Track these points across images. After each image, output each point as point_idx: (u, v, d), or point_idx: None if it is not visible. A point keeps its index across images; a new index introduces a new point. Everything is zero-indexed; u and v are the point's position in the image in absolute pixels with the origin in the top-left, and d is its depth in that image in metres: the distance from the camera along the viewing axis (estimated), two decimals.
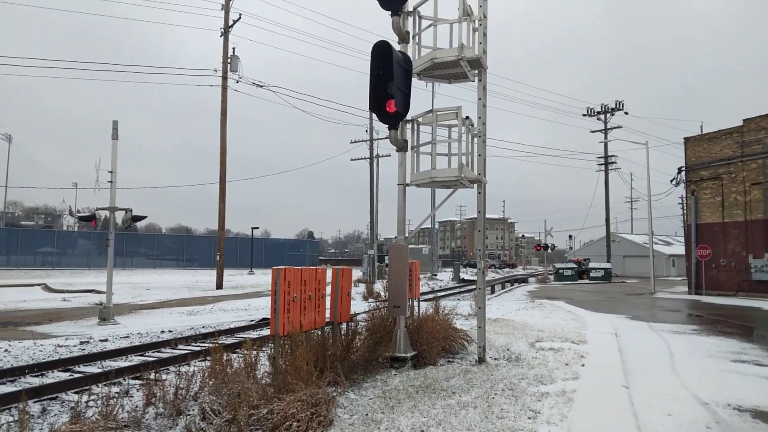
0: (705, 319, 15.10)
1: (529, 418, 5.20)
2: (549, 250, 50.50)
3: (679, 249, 48.18)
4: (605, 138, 45.44)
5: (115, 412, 5.04)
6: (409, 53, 8.14)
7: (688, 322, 14.24)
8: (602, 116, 46.51)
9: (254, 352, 6.29)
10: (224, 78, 26.73)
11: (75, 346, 10.22)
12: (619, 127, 45.95)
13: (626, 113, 45.80)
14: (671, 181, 27.01)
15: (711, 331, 12.29)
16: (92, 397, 5.85)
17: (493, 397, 5.90)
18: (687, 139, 26.13)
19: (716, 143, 24.52)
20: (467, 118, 7.89)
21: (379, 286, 24.93)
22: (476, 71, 8.27)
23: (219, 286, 26.58)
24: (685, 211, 28.73)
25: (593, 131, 47.59)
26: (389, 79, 7.31)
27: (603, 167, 47.10)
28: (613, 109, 46.05)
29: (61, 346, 10.05)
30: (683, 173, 26.09)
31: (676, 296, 24.40)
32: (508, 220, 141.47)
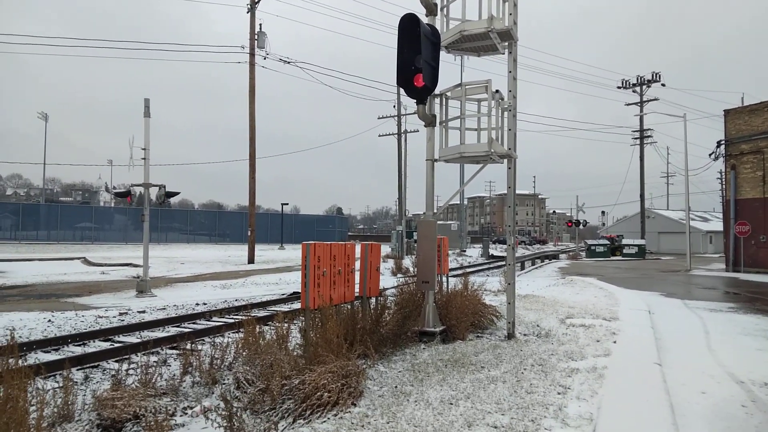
0: (742, 296, 14.72)
1: (559, 393, 5.20)
2: (581, 227, 49.66)
3: (717, 225, 46.90)
4: (641, 111, 44.12)
5: (153, 380, 5.24)
6: (437, 26, 7.98)
7: (725, 300, 13.91)
8: (638, 88, 45.07)
9: (285, 325, 6.42)
10: (251, 55, 26.77)
11: (114, 317, 10.59)
12: (655, 99, 44.54)
13: (663, 85, 44.28)
14: (710, 155, 26.13)
15: (749, 309, 11.99)
16: (132, 366, 6.08)
17: (522, 372, 5.90)
18: (727, 112, 25.15)
19: (758, 115, 23.53)
20: (497, 91, 7.74)
21: (407, 262, 25.02)
22: (506, 43, 8.09)
23: (251, 260, 27.08)
24: (723, 186, 27.84)
25: (628, 104, 46.28)
26: (417, 52, 7.19)
27: (638, 141, 45.83)
28: (648, 81, 44.55)
29: (101, 317, 10.43)
30: (722, 147, 25.17)
31: (712, 273, 23.82)
32: (539, 196, 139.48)
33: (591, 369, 6.11)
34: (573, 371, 6.02)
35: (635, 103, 45.27)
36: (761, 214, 23.24)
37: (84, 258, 28.49)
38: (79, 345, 7.97)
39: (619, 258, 38.86)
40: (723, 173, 27.16)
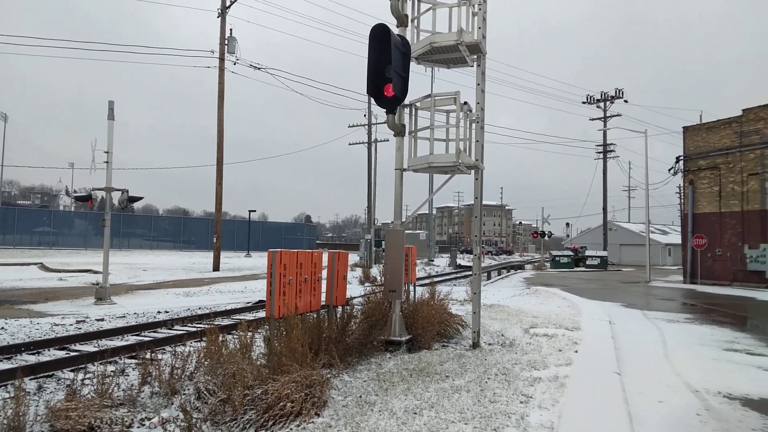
0: (699, 308, 15.20)
1: (521, 402, 5.25)
2: (546, 238, 50.55)
3: (676, 238, 48.41)
4: (604, 126, 45.33)
5: (110, 390, 5.08)
6: (408, 37, 8.06)
7: (682, 311, 14.34)
8: (602, 104, 46.30)
9: (250, 334, 6.33)
10: (221, 60, 26.49)
11: (71, 324, 10.25)
12: (618, 115, 45.82)
13: (626, 101, 45.63)
14: (669, 170, 26.98)
15: (705, 319, 12.38)
16: (88, 376, 5.89)
17: (486, 382, 5.95)
18: (686, 129, 26.07)
19: (715, 133, 24.47)
20: (465, 103, 7.85)
21: (375, 271, 25.01)
22: (475, 56, 8.22)
23: (216, 268, 26.61)
24: (682, 201, 28.76)
25: (592, 119, 47.44)
26: (387, 63, 7.25)
27: (602, 155, 47.02)
28: (612, 97, 45.85)
29: (57, 325, 10.08)
30: (681, 162, 26.06)
31: (671, 285, 24.53)
32: (506, 207, 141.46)
33: (553, 378, 6.20)
34: (535, 380, 6.09)
35: (599, 118, 46.50)
36: (717, 228, 24.10)
37: (41, 263, 27.53)
38: (33, 354, 7.68)
39: (583, 269, 39.67)
40: (682, 188, 28.07)
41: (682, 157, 25.99)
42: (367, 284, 20.34)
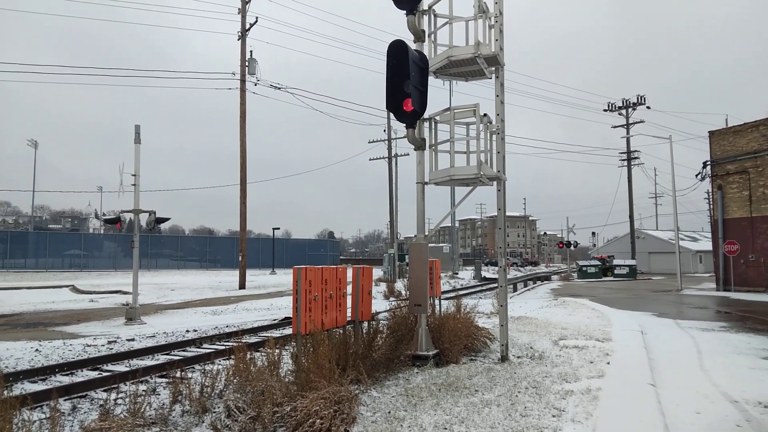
0: (734, 315, 14.78)
1: (554, 416, 5.16)
2: (572, 248, 49.88)
3: (706, 245, 47.28)
4: (627, 133, 44.78)
5: (142, 410, 5.14)
6: (425, 52, 8.13)
7: (717, 319, 13.95)
8: (623, 111, 45.85)
9: (277, 351, 6.35)
10: (242, 81, 27.00)
11: (103, 345, 10.43)
12: (641, 121, 45.30)
13: (648, 107, 45.09)
14: (696, 175, 26.48)
15: (740, 327, 12.03)
16: (120, 395, 5.98)
17: (516, 395, 5.86)
18: (711, 133, 25.59)
19: (742, 136, 23.95)
20: (485, 115, 7.85)
21: (399, 285, 24.93)
22: (493, 68, 8.23)
23: (242, 286, 26.87)
24: (711, 206, 28.13)
25: (615, 126, 46.94)
26: (405, 78, 7.31)
27: (625, 163, 46.42)
28: (634, 104, 45.36)
29: (89, 346, 10.27)
30: (708, 167, 25.54)
31: (703, 293, 23.92)
32: (530, 218, 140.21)
33: (585, 391, 6.08)
34: (567, 393, 5.98)
35: (621, 126, 45.99)
36: (749, 233, 23.48)
37: (72, 286, 28.14)
38: (66, 374, 7.83)
39: (611, 278, 38.97)
40: (710, 193, 27.46)
41: (709, 162, 25.47)
42: (391, 299, 20.29)
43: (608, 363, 7.75)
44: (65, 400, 6.34)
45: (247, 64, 27.23)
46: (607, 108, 46.75)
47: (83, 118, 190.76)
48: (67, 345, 10.35)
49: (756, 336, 10.70)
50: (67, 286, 28.06)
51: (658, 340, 10.15)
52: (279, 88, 28.00)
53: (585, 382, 6.50)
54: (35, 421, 4.56)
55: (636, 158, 46.50)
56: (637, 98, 45.29)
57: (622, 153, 46.99)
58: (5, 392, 3.51)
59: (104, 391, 6.72)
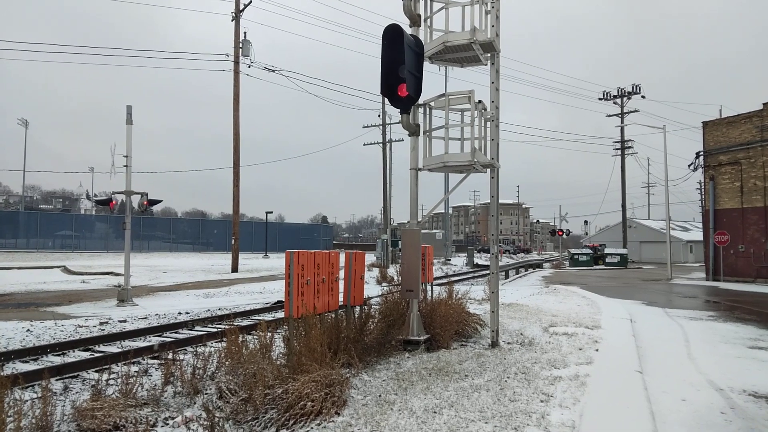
0: (722, 305, 14.96)
1: (542, 401, 5.23)
2: (564, 236, 50.17)
3: (697, 235, 47.65)
4: (622, 122, 44.78)
5: (134, 390, 5.17)
6: (421, 36, 8.07)
7: (705, 308, 14.12)
8: (618, 100, 45.81)
9: (269, 334, 6.38)
10: (236, 63, 26.72)
11: (95, 326, 10.43)
12: (636, 111, 45.30)
13: (643, 97, 45.06)
14: (689, 166, 26.61)
15: (728, 317, 12.19)
16: (112, 376, 5.99)
17: (505, 381, 5.93)
18: (705, 123, 25.66)
19: (735, 127, 24.05)
20: (480, 102, 7.83)
21: (392, 271, 25.02)
22: (489, 54, 8.19)
23: (234, 269, 26.87)
24: (703, 197, 28.32)
25: (609, 115, 46.95)
26: (401, 62, 7.26)
27: (619, 152, 46.50)
28: (629, 93, 45.32)
29: (81, 327, 10.27)
30: (701, 158, 25.66)
31: (693, 282, 24.18)
32: (523, 205, 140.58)
33: (573, 377, 6.16)
34: (556, 379, 6.06)
35: (616, 115, 45.99)
36: (740, 224, 23.68)
37: (64, 266, 28.03)
38: (58, 355, 7.84)
39: (602, 267, 39.26)
40: (702, 184, 27.64)
41: (702, 153, 25.59)
42: (384, 284, 20.37)
43: (597, 350, 7.84)
44: (57, 380, 6.36)
45: (241, 45, 26.92)
46: (602, 97, 46.70)
47: (75, 98, 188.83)
48: (58, 325, 10.34)
49: (743, 325, 10.85)
50: (58, 267, 27.95)
51: (647, 329, 10.27)
52: (273, 71, 27.75)
53: (573, 369, 6.58)
54: (27, 401, 4.57)
55: (630, 147, 46.59)
56: (633, 87, 45.26)
57: (616, 142, 47.07)
58: None
59: (96, 371, 6.73)
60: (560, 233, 49.68)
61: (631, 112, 45.25)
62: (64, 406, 5.08)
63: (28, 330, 9.76)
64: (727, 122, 24.65)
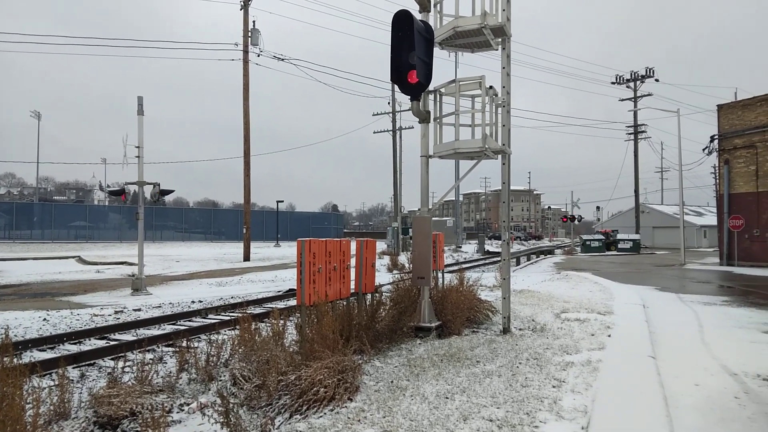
0: (736, 290, 14.83)
1: (554, 386, 5.23)
2: (576, 222, 49.87)
3: (711, 220, 47.14)
4: (635, 106, 44.20)
5: (150, 378, 5.24)
6: (431, 22, 7.99)
7: (719, 294, 14.01)
8: (632, 84, 45.13)
9: (281, 322, 6.43)
10: (245, 52, 26.67)
11: (110, 315, 10.58)
12: (649, 94, 44.64)
13: (657, 80, 44.35)
14: (703, 149, 26.26)
15: (742, 302, 12.08)
16: (128, 364, 6.08)
17: (517, 366, 5.94)
18: (720, 107, 25.26)
19: (751, 110, 23.64)
20: (491, 87, 7.76)
21: (403, 258, 25.05)
22: (499, 39, 8.10)
23: (246, 258, 27.05)
24: (717, 181, 27.96)
25: (622, 99, 46.28)
26: (411, 49, 7.20)
27: (632, 136, 45.95)
28: (643, 77, 44.63)
29: (96, 315, 10.42)
30: (716, 142, 25.30)
31: (706, 267, 23.96)
32: (534, 192, 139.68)
33: (586, 362, 6.15)
34: (568, 365, 6.05)
35: (629, 99, 45.33)
36: (754, 208, 23.38)
37: (79, 257, 28.38)
38: (74, 343, 7.96)
39: (614, 253, 39.02)
40: (716, 168, 27.27)
41: (716, 136, 25.22)
42: (395, 271, 20.41)
43: (609, 336, 7.82)
44: (74, 368, 6.47)
45: (250, 34, 26.86)
46: (615, 81, 46.00)
47: (86, 90, 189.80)
48: (74, 314, 10.50)
49: (758, 310, 10.75)
50: (73, 257, 28.31)
51: (660, 314, 10.22)
52: (282, 59, 27.69)
53: (586, 354, 6.57)
54: (45, 388, 4.65)
55: (643, 132, 45.99)
56: (646, 70, 44.57)
57: (629, 127, 46.46)
58: (15, 360, 3.57)
59: (112, 359, 6.84)
60: (564, 219, 49.33)
61: (645, 95, 44.60)
62: (81, 393, 5.17)
63: (45, 319, 9.92)
64: (743, 105, 24.24)
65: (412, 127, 40.60)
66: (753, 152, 23.45)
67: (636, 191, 46.34)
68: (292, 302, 11.75)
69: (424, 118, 8.06)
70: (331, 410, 4.47)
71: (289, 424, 4.24)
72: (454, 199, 60.56)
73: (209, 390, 5.32)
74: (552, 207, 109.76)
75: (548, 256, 37.37)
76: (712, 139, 25.54)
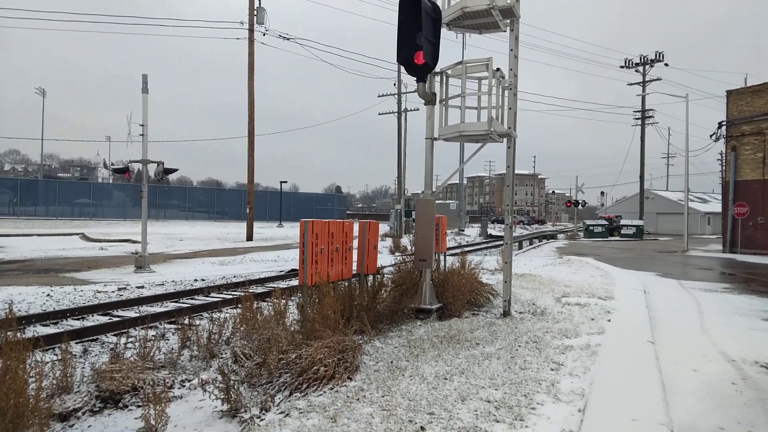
0: (738, 277, 14.82)
1: (552, 369, 5.26)
2: (580, 207, 49.67)
3: (716, 206, 47.00)
4: (643, 91, 43.76)
5: (152, 354, 5.29)
6: (438, 2, 7.87)
7: (721, 280, 14.01)
8: (641, 68, 44.63)
9: (283, 301, 6.46)
10: (251, 31, 26.44)
11: (113, 292, 10.65)
12: (658, 79, 44.15)
13: (666, 65, 43.84)
14: (711, 136, 26.03)
15: (743, 289, 12.08)
16: (130, 340, 6.14)
17: (516, 349, 5.97)
18: (729, 92, 24.98)
19: (761, 97, 23.38)
20: (498, 69, 7.68)
21: (405, 241, 25.08)
22: (508, 20, 7.99)
23: (249, 237, 27.14)
24: (723, 168, 27.80)
25: (630, 84, 45.82)
26: (417, 29, 7.11)
27: (639, 121, 45.57)
28: (652, 61, 44.12)
29: (99, 292, 10.50)
30: (724, 128, 25.07)
31: (709, 254, 23.93)
32: (538, 176, 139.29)
33: (584, 346, 6.18)
34: (567, 348, 6.08)
35: (638, 83, 44.87)
36: (760, 195, 23.25)
37: (82, 234, 28.53)
38: (77, 319, 8.04)
39: (617, 238, 38.98)
40: (723, 154, 27.10)
41: (724, 123, 24.98)
42: (397, 254, 20.42)
43: (609, 320, 7.84)
44: (76, 343, 6.54)
45: (255, 13, 26.59)
46: (624, 64, 45.52)
47: (91, 67, 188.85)
48: (77, 291, 10.58)
49: (759, 298, 10.75)
50: (77, 234, 28.45)
51: (661, 300, 10.23)
52: (288, 39, 27.44)
53: (585, 338, 6.59)
54: (47, 362, 4.70)
55: (650, 117, 45.63)
56: (656, 55, 44.03)
57: (636, 111, 46.07)
58: (18, 334, 3.61)
59: (114, 335, 6.91)
60: (568, 204, 49.10)
61: (654, 80, 44.12)
62: (83, 367, 5.23)
63: (48, 295, 10.00)
64: (753, 91, 23.96)
65: (418, 109, 40.41)
66: (761, 139, 23.24)
67: (641, 177, 46.10)
68: (294, 282, 11.82)
69: (429, 99, 8.00)
70: (331, 389, 4.52)
71: (289, 401, 4.28)
72: (458, 182, 60.44)
73: (210, 367, 5.37)
74: (556, 191, 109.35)
75: (551, 240, 37.36)
76: (720, 125, 25.31)
